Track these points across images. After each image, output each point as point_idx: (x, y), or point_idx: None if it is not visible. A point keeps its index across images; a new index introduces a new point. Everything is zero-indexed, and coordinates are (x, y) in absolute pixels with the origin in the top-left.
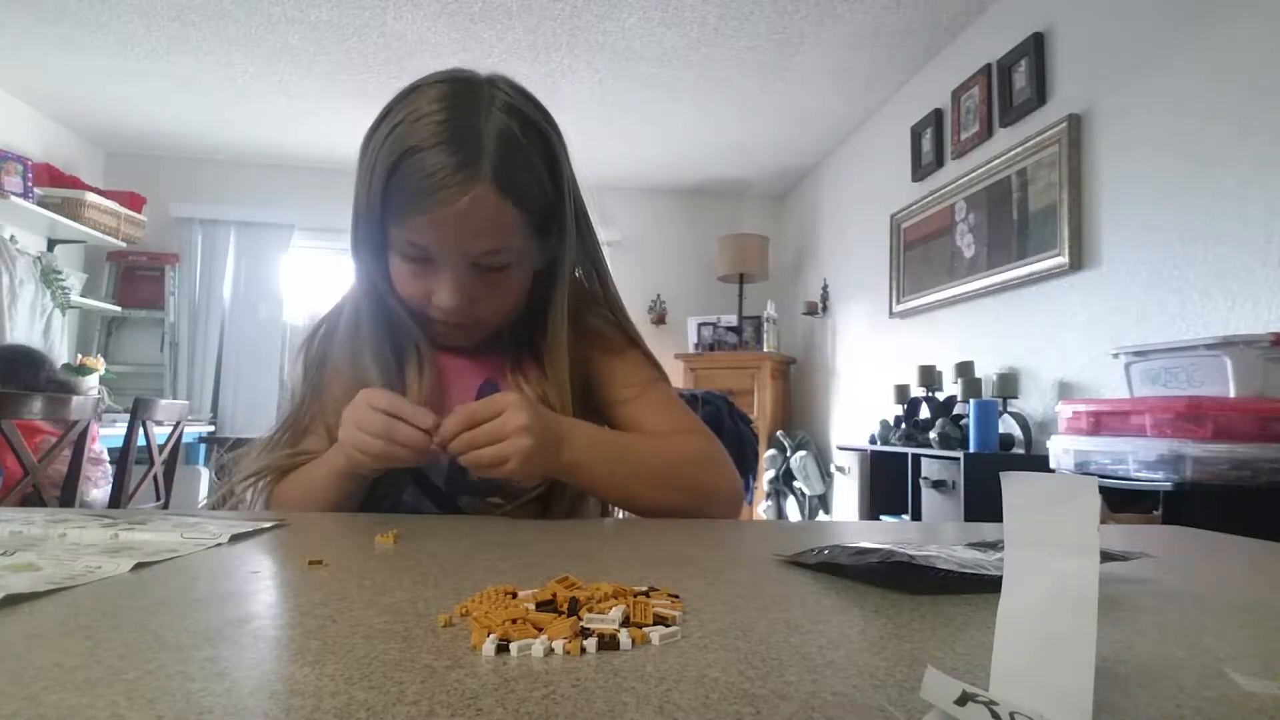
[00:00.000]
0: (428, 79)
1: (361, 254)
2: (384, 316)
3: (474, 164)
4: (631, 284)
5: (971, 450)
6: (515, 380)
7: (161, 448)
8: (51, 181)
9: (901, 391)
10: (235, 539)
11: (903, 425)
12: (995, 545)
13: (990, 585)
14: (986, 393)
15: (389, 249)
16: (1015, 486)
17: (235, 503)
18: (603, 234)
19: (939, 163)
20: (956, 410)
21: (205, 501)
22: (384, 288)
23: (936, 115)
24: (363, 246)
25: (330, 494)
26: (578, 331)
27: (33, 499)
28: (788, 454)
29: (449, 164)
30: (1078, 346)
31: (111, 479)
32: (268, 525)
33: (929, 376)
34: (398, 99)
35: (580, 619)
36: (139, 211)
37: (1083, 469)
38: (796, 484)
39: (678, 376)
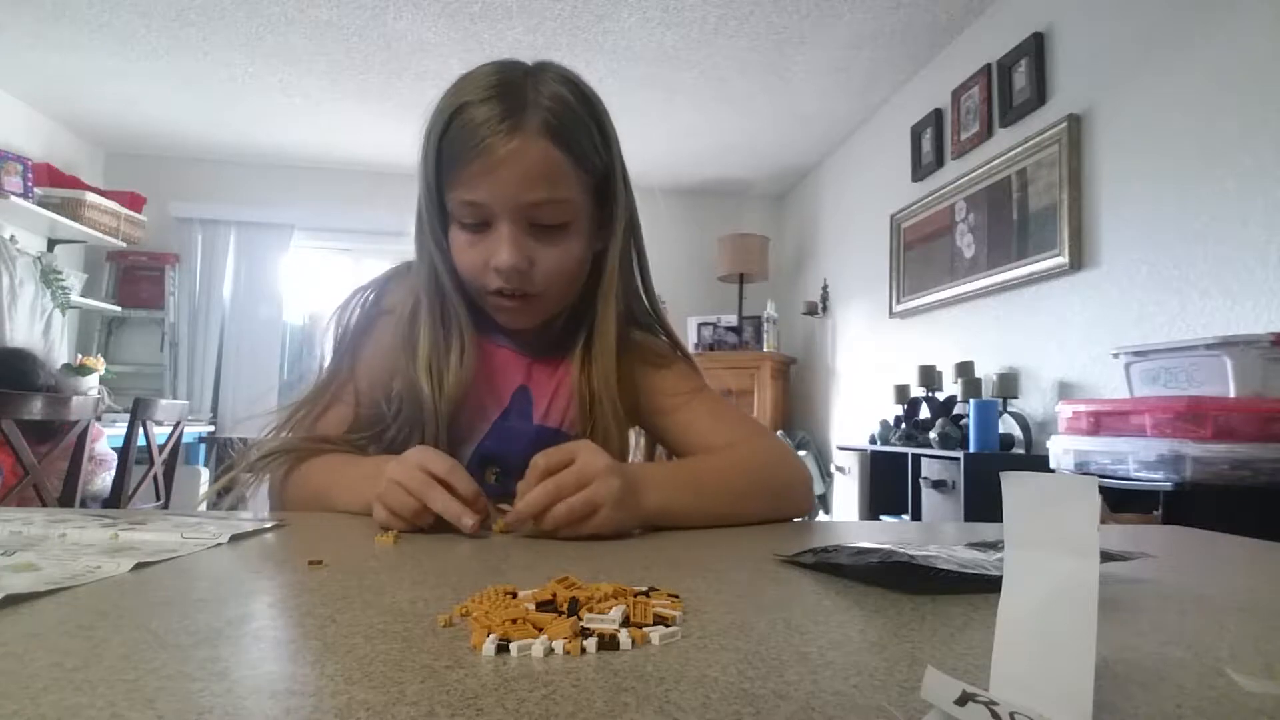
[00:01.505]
0: (482, 64)
1: (424, 234)
2: (440, 303)
3: (521, 112)
4: None
5: (971, 450)
6: (582, 376)
7: (161, 448)
8: (51, 181)
9: (901, 391)
10: (235, 539)
11: (903, 425)
12: (995, 545)
13: (990, 585)
14: (986, 393)
15: (450, 228)
16: (1015, 486)
17: (242, 489)
18: None
19: (939, 163)
20: (956, 410)
21: (208, 489)
22: (444, 274)
23: (936, 115)
24: (425, 227)
25: (346, 508)
26: (624, 344)
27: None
28: None
29: (496, 113)
30: (1078, 346)
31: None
32: (268, 525)
33: (929, 376)
34: (452, 83)
35: (580, 619)
36: (139, 211)
37: (1083, 469)
38: None
39: None
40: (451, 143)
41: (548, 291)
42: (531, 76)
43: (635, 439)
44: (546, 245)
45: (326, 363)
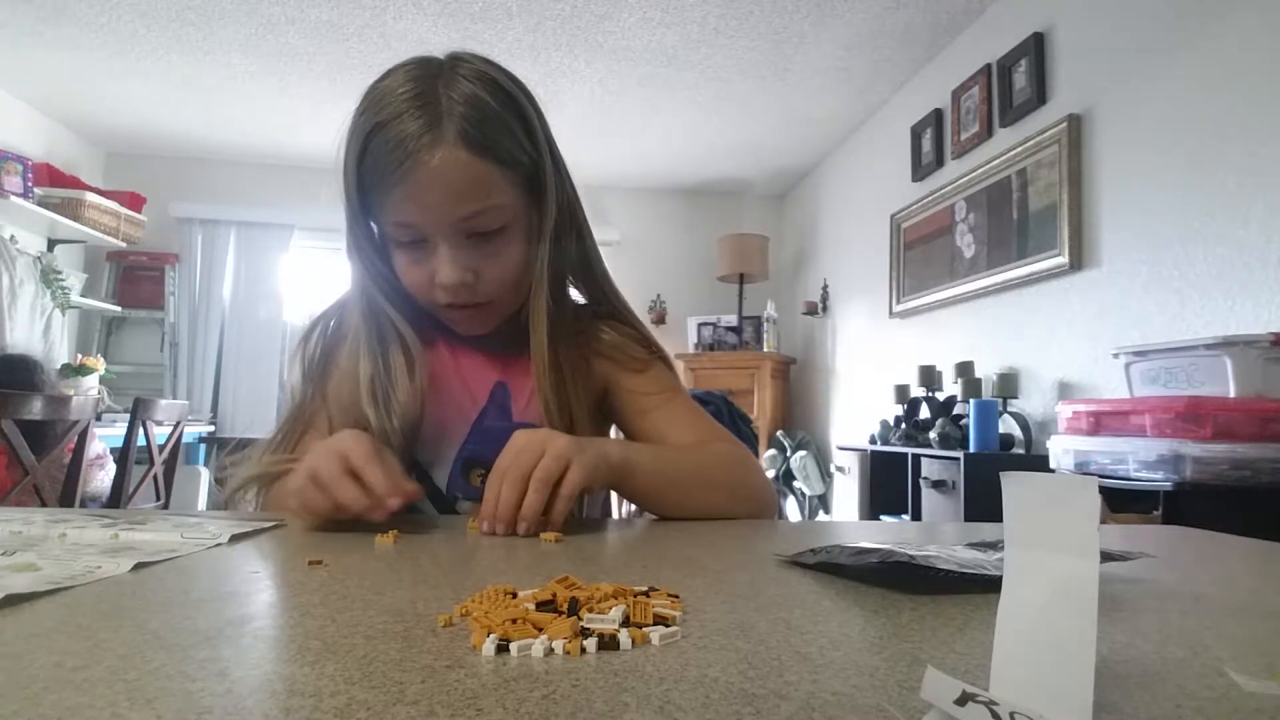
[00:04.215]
0: (392, 67)
1: (354, 255)
2: (376, 318)
3: (438, 125)
4: (631, 284)
5: (971, 450)
6: (536, 373)
7: (161, 448)
8: (51, 181)
9: (901, 391)
10: (235, 539)
11: (903, 425)
12: (995, 545)
13: (990, 585)
14: (986, 393)
15: (387, 245)
16: (1015, 486)
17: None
18: (603, 234)
19: (939, 163)
20: (956, 410)
21: (204, 502)
22: (374, 290)
23: (936, 115)
24: (354, 247)
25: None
26: (595, 344)
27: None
28: (788, 454)
29: (413, 130)
30: (1078, 346)
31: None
32: (268, 525)
33: (929, 376)
34: (364, 92)
35: (580, 619)
36: (139, 211)
37: (1083, 469)
38: (796, 484)
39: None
40: (372, 167)
41: (498, 297)
42: (444, 79)
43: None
44: (487, 253)
45: (295, 393)
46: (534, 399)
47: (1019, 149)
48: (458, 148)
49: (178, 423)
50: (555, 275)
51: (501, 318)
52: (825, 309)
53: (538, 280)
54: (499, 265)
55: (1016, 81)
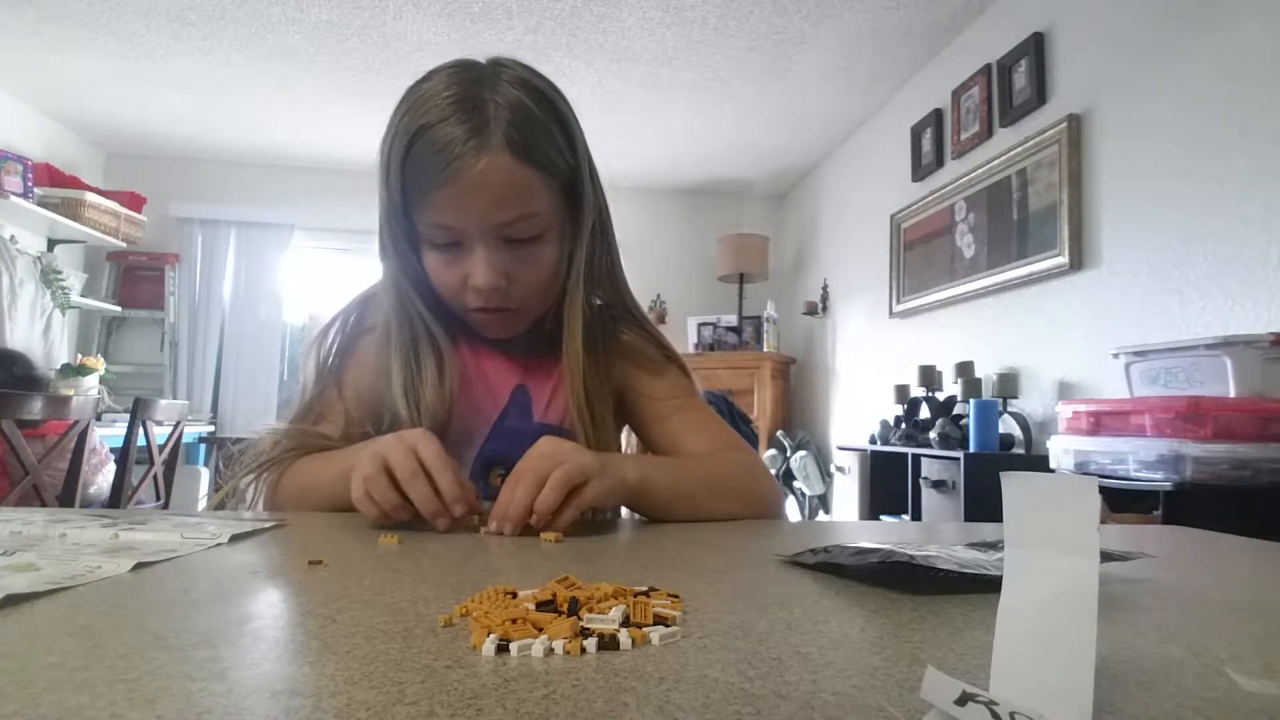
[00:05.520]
0: (433, 69)
1: (389, 255)
2: (409, 320)
3: (484, 130)
4: (631, 284)
5: (971, 450)
6: (569, 377)
7: (161, 448)
8: (51, 181)
9: (901, 391)
10: (235, 539)
11: (903, 425)
12: (995, 545)
13: (990, 585)
14: (986, 393)
15: (420, 245)
16: (1015, 486)
17: (238, 501)
18: None
19: (939, 163)
20: (956, 410)
21: (206, 501)
22: (408, 290)
23: (936, 115)
24: (389, 247)
25: (332, 500)
26: (615, 345)
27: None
28: (788, 454)
29: (459, 134)
30: (1078, 346)
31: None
32: (268, 525)
33: (929, 376)
34: (406, 93)
35: (580, 619)
36: (139, 211)
37: (1083, 469)
38: (796, 484)
39: None
40: (416, 167)
41: (528, 301)
42: (489, 85)
43: (626, 443)
44: (522, 259)
45: (309, 386)
46: (554, 402)
47: (1019, 149)
48: (503, 153)
49: (178, 423)
50: (585, 281)
51: (529, 322)
52: (825, 309)
53: (573, 285)
54: (532, 270)
55: (1016, 81)
